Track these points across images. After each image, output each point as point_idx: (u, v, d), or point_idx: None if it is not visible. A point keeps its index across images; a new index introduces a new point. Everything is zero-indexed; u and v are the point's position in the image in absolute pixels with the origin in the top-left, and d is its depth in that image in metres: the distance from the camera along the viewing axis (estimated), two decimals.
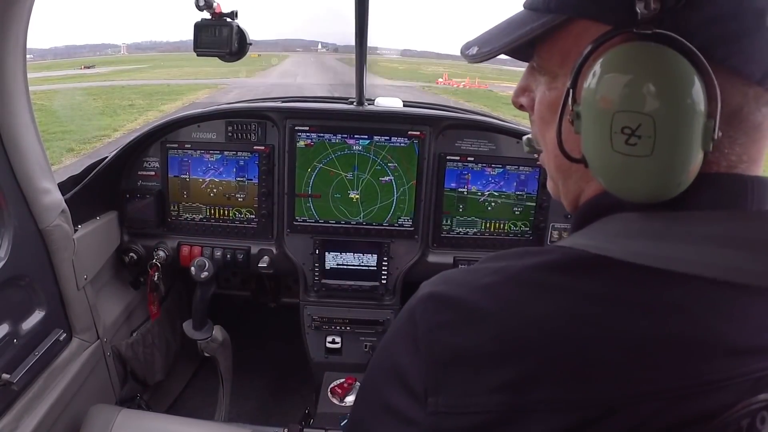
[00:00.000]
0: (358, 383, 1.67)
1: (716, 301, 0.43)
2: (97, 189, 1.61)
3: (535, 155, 0.62)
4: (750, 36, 0.43)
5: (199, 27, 1.22)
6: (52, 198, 1.24)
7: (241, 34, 1.22)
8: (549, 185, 0.62)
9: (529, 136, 0.63)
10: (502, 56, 0.58)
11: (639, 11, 0.42)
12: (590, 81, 0.45)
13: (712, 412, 0.41)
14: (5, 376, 1.10)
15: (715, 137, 0.42)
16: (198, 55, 1.24)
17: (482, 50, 0.56)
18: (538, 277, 0.46)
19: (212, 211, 1.78)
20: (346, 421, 1.48)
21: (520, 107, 0.60)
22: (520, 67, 0.61)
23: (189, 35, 1.23)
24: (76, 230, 1.39)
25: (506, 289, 0.46)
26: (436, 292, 0.49)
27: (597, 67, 0.45)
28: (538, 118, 0.57)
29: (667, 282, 0.43)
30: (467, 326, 0.46)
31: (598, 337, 0.42)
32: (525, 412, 0.42)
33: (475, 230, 1.80)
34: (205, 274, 1.64)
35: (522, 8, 0.55)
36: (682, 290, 0.43)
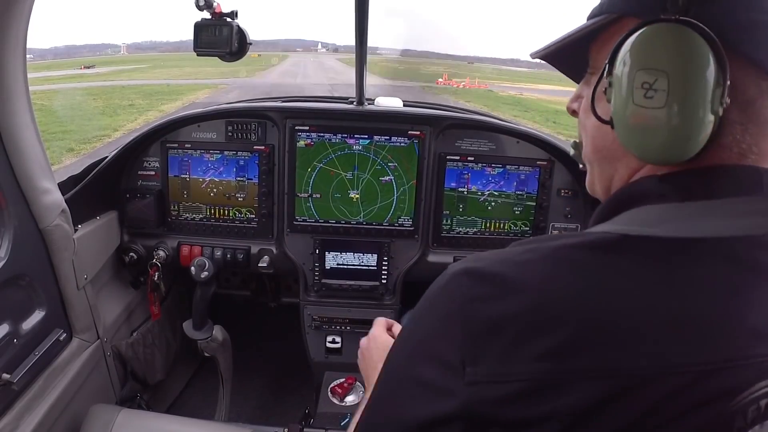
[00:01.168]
0: (358, 383, 1.67)
1: (740, 286, 0.47)
2: (97, 189, 1.61)
3: (580, 165, 0.69)
4: (763, 28, 0.50)
5: (199, 27, 1.22)
6: (52, 198, 1.24)
7: (241, 33, 1.22)
8: (587, 181, 0.68)
9: (576, 139, 0.69)
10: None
11: (669, 6, 0.51)
12: (621, 55, 0.53)
13: (733, 390, 0.44)
14: (5, 375, 1.10)
15: (723, 103, 0.49)
16: (198, 55, 1.24)
17: (543, 46, 0.65)
18: (574, 254, 0.49)
19: (212, 211, 1.78)
20: (347, 420, 1.47)
21: (573, 113, 0.68)
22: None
23: (189, 35, 1.23)
24: (76, 230, 1.39)
25: (543, 264, 0.49)
26: (471, 267, 0.52)
27: (627, 44, 0.53)
28: (582, 111, 0.64)
29: (693, 260, 0.47)
30: (505, 298, 0.48)
31: (632, 311, 0.45)
32: (564, 379, 0.44)
33: (475, 230, 1.80)
34: (205, 273, 1.64)
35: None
36: (710, 273, 0.47)
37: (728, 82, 0.48)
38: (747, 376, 0.44)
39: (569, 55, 0.64)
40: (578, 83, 0.69)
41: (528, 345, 0.46)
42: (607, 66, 0.55)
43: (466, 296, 0.50)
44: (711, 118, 0.49)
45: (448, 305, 0.51)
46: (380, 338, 1.02)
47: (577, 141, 0.68)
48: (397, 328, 1.08)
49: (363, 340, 1.05)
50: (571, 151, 0.71)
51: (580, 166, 0.69)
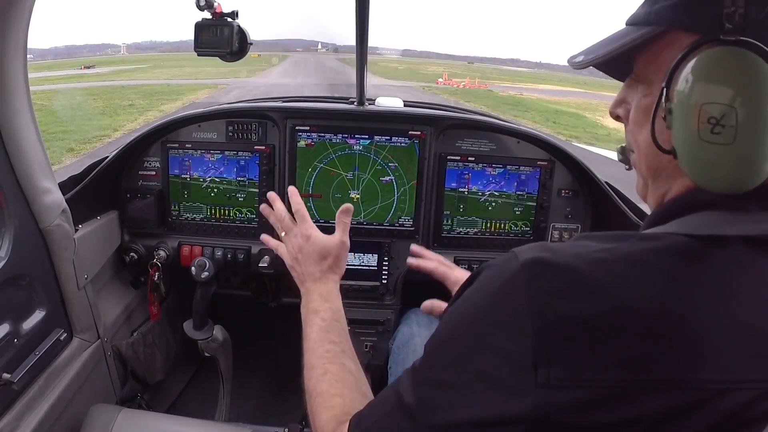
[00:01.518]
0: None
1: None
2: (97, 189, 1.61)
3: (626, 166, 0.67)
4: None
5: (199, 27, 1.21)
6: (52, 197, 1.24)
7: (242, 33, 1.22)
8: (637, 186, 0.66)
9: (623, 145, 0.67)
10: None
11: (725, 23, 0.49)
12: (682, 80, 0.51)
13: None
14: (6, 375, 1.10)
15: None
16: (199, 55, 1.24)
17: (588, 58, 0.63)
18: (649, 259, 0.48)
19: (213, 211, 1.78)
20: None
21: (617, 118, 0.66)
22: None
23: (189, 35, 1.23)
24: (76, 230, 1.39)
25: (620, 266, 0.48)
26: (544, 258, 0.49)
27: (688, 68, 0.51)
28: (632, 123, 0.62)
29: (764, 276, 0.47)
30: (583, 296, 0.46)
31: (710, 323, 0.45)
32: (640, 389, 0.44)
33: (475, 230, 1.80)
34: (206, 273, 1.64)
35: (624, 25, 0.62)
36: None
37: None
38: None
39: (617, 60, 0.62)
40: (618, 79, 0.66)
41: (605, 351, 0.45)
42: (665, 90, 0.53)
43: (539, 289, 0.48)
44: None
45: (518, 298, 0.48)
46: (318, 237, 0.98)
47: (624, 147, 0.66)
48: None
49: (297, 240, 1.02)
50: (618, 156, 0.69)
51: (626, 167, 0.67)
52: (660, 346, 0.44)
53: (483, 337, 0.51)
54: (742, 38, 0.48)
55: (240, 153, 1.73)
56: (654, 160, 0.58)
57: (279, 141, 1.72)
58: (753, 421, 0.43)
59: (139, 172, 1.74)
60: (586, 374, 0.45)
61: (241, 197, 1.76)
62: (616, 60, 0.60)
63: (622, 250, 0.49)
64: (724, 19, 0.49)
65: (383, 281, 1.79)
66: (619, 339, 0.45)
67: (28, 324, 1.22)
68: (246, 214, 1.78)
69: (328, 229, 1.74)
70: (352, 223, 1.74)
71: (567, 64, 0.69)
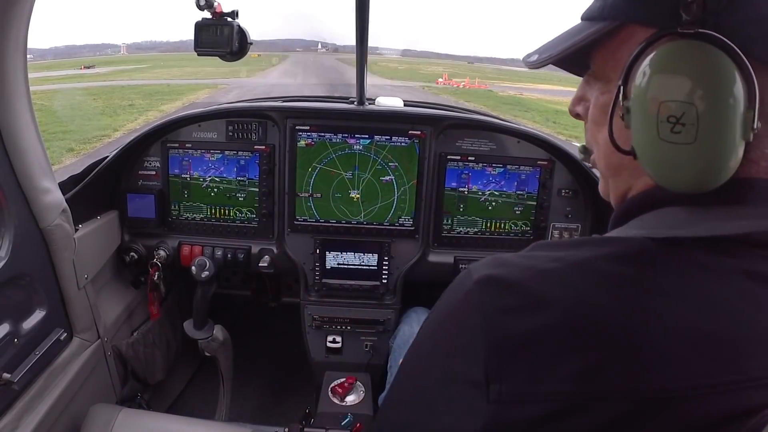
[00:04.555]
0: (358, 383, 1.67)
1: (764, 301, 0.45)
2: (97, 188, 1.61)
3: (588, 165, 0.66)
4: None
5: (199, 27, 1.21)
6: (52, 197, 1.24)
7: (242, 33, 1.22)
8: (600, 185, 0.64)
9: (584, 143, 0.65)
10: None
11: (683, 14, 0.46)
12: (639, 77, 0.49)
13: (758, 407, 0.42)
14: (6, 375, 1.10)
15: (755, 128, 0.45)
16: (199, 55, 1.24)
17: (542, 57, 0.60)
18: (600, 266, 0.47)
19: (213, 211, 1.78)
20: (347, 420, 1.47)
21: (576, 116, 0.64)
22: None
23: (189, 35, 1.23)
24: (76, 230, 1.39)
25: (569, 276, 0.47)
26: (495, 275, 0.49)
27: (645, 64, 0.48)
28: (591, 121, 0.60)
29: (724, 277, 0.45)
30: (531, 311, 0.46)
31: (661, 329, 0.44)
32: (591, 400, 0.43)
33: (475, 230, 1.80)
34: (206, 273, 1.64)
35: (579, 20, 0.59)
36: (737, 287, 0.45)
37: (757, 104, 0.45)
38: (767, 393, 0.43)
39: (575, 57, 0.59)
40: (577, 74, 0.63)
41: (555, 364, 0.44)
42: (622, 88, 0.51)
43: (490, 307, 0.47)
44: (742, 144, 0.46)
45: (471, 315, 0.48)
46: None
47: (586, 146, 0.64)
48: None
49: None
50: (580, 156, 0.68)
51: (589, 165, 0.66)
52: (610, 356, 0.43)
53: (439, 356, 0.51)
54: (700, 30, 0.46)
55: (240, 153, 1.73)
56: (614, 159, 0.56)
57: (279, 141, 1.72)
58: (715, 426, 0.42)
59: (139, 172, 1.74)
60: (538, 388, 0.44)
61: (241, 197, 1.76)
62: (573, 57, 0.58)
63: (574, 258, 0.48)
64: (682, 10, 0.46)
65: (383, 281, 1.79)
66: (569, 351, 0.44)
67: (29, 324, 1.22)
68: (246, 213, 1.78)
69: (327, 229, 1.76)
70: (352, 223, 1.76)
71: None
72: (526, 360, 0.45)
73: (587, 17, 0.57)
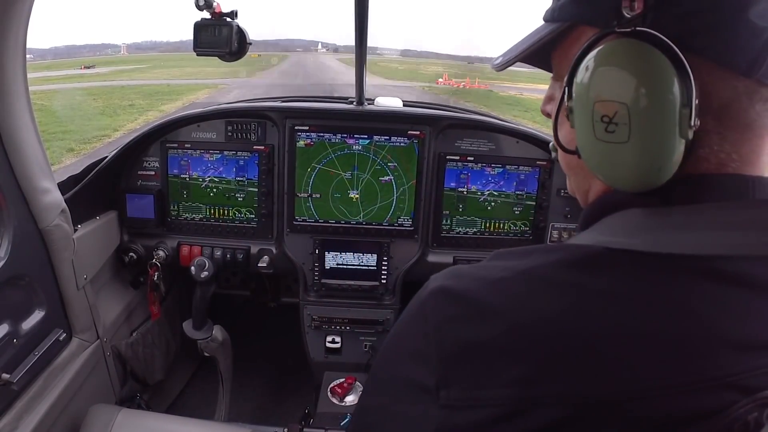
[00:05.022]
0: (358, 383, 1.67)
1: (720, 298, 0.44)
2: (97, 189, 1.61)
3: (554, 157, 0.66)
4: (730, 27, 0.45)
5: (199, 27, 1.21)
6: (52, 198, 1.24)
7: (241, 33, 1.22)
8: (567, 184, 0.65)
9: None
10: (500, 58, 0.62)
11: (625, 13, 0.46)
12: (579, 76, 0.49)
13: (719, 408, 0.42)
14: (5, 375, 1.10)
15: (692, 125, 0.44)
16: (198, 55, 1.24)
17: (504, 59, 0.62)
18: (546, 274, 0.47)
19: (212, 211, 1.78)
20: (346, 420, 1.49)
21: (547, 115, 0.63)
22: (519, 68, 0.63)
23: (189, 35, 1.23)
24: (75, 230, 1.39)
25: (515, 285, 0.48)
26: (446, 286, 0.50)
27: (584, 64, 0.49)
28: (553, 120, 0.60)
29: (672, 277, 0.44)
30: (477, 321, 0.47)
31: (604, 333, 0.43)
32: (534, 404, 0.43)
33: (474, 230, 1.80)
34: (205, 273, 1.64)
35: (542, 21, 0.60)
36: (687, 286, 0.44)
37: (696, 101, 0.44)
38: (731, 394, 0.42)
39: (539, 56, 0.60)
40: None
41: (497, 370, 0.45)
42: (566, 88, 0.51)
43: (439, 316, 0.49)
44: (682, 143, 0.45)
45: (424, 324, 0.50)
46: None
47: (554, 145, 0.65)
48: None
49: None
50: (553, 154, 0.69)
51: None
52: (551, 362, 0.43)
53: (397, 361, 0.53)
54: (638, 29, 0.45)
55: (239, 153, 1.73)
56: (568, 158, 0.57)
57: (278, 141, 1.72)
58: (671, 427, 0.42)
59: (139, 172, 1.74)
60: (482, 393, 0.45)
61: (240, 197, 1.76)
62: (536, 57, 0.59)
63: (522, 266, 0.48)
64: (623, 8, 0.46)
65: (382, 281, 1.79)
66: (512, 358, 0.44)
67: (28, 324, 1.22)
68: (245, 213, 1.78)
69: (327, 229, 1.76)
70: (351, 223, 1.76)
71: None
72: (471, 367, 0.46)
73: (545, 19, 0.58)
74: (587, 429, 0.43)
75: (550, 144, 0.69)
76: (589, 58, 0.48)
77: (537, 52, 0.58)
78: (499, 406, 0.44)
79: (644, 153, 0.46)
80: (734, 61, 0.45)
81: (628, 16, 0.46)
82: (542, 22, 0.59)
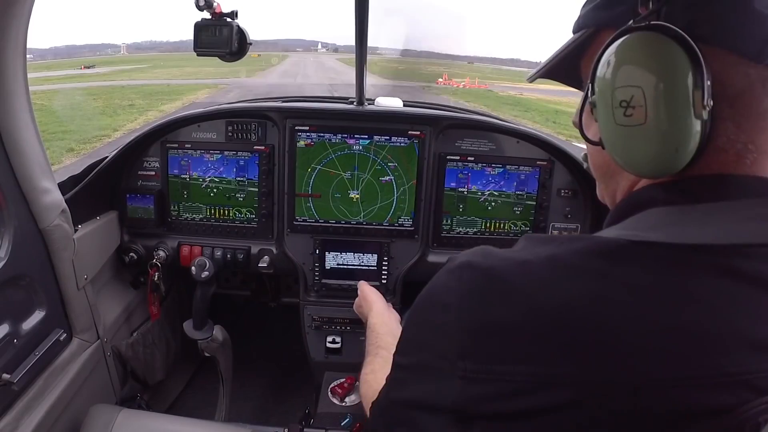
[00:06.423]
0: (358, 383, 1.67)
1: (739, 297, 0.45)
2: (97, 189, 1.61)
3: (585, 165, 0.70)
4: (736, 14, 0.48)
5: (199, 27, 1.21)
6: (52, 198, 1.24)
7: (241, 33, 1.22)
8: (597, 190, 0.68)
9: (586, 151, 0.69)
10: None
11: (641, 12, 0.50)
12: (600, 71, 0.54)
13: (731, 405, 0.42)
14: (5, 376, 1.10)
15: (705, 104, 0.47)
16: (198, 55, 1.24)
17: (536, 70, 0.67)
18: (573, 260, 0.49)
19: (212, 211, 1.78)
20: (347, 420, 1.54)
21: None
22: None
23: (189, 35, 1.23)
24: (76, 230, 1.39)
25: (541, 268, 0.49)
26: (473, 261, 0.52)
27: (603, 59, 0.53)
28: (579, 116, 0.64)
29: (694, 272, 0.46)
30: (499, 299, 0.49)
31: (624, 322, 0.44)
32: (547, 384, 0.45)
33: (475, 230, 1.80)
34: (206, 273, 1.64)
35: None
36: (708, 282, 0.46)
37: (708, 83, 0.46)
38: (745, 392, 0.42)
39: (567, 70, 0.65)
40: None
41: (516, 348, 0.47)
42: (590, 85, 0.55)
43: (464, 290, 0.51)
44: (697, 123, 0.47)
45: (447, 297, 0.52)
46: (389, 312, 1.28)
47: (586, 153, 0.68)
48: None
49: (379, 306, 1.31)
50: (584, 164, 0.72)
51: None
52: (569, 345, 0.45)
53: (422, 329, 0.57)
54: (651, 23, 0.49)
55: (239, 153, 1.73)
56: (597, 159, 0.61)
57: (278, 141, 1.72)
58: (685, 419, 0.42)
59: (139, 172, 1.74)
60: (497, 368, 0.47)
61: (240, 197, 1.76)
62: (565, 70, 0.64)
63: (548, 252, 0.50)
64: (639, 6, 0.50)
65: (383, 281, 1.79)
66: (531, 337, 0.46)
67: (28, 324, 1.22)
68: (245, 214, 1.78)
69: (327, 229, 1.75)
70: (351, 223, 1.76)
71: None
72: (489, 341, 0.48)
73: (573, 31, 0.63)
74: (597, 414, 0.44)
75: (582, 154, 0.74)
76: (609, 53, 0.52)
77: (568, 66, 0.63)
78: (514, 382, 0.46)
79: (660, 133, 0.49)
80: (742, 45, 0.48)
81: (643, 14, 0.50)
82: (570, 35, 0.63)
